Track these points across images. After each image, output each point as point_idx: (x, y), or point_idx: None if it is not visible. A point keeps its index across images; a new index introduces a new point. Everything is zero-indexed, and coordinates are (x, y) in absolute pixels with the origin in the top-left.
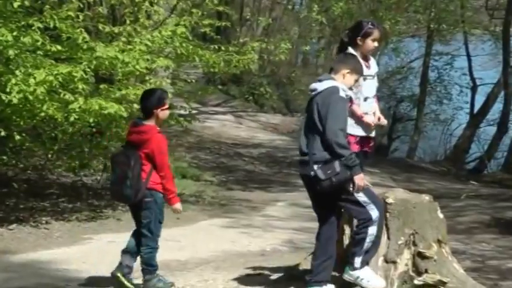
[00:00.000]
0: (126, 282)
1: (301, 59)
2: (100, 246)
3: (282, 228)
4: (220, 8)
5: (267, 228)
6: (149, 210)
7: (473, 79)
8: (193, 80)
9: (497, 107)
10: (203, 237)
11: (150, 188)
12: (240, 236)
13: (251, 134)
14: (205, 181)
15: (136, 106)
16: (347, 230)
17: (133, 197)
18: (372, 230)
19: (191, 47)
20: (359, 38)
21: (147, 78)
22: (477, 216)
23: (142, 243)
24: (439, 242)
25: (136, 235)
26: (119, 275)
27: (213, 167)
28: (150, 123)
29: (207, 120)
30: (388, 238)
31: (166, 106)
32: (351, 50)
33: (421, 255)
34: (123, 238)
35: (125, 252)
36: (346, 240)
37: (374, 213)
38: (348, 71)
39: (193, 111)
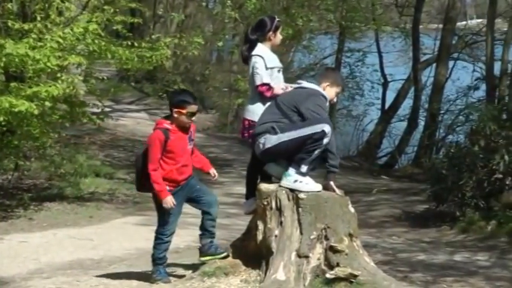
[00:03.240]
0: (209, 258)
1: (215, 56)
2: (11, 246)
3: (196, 225)
4: (133, 5)
5: (181, 226)
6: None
7: (384, 75)
8: (106, 78)
9: (408, 102)
10: (117, 235)
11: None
12: (154, 233)
13: None
14: (118, 179)
15: (48, 104)
16: (260, 226)
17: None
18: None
19: (103, 43)
20: (271, 33)
21: (59, 75)
22: (388, 210)
23: None
24: (350, 235)
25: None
26: (201, 258)
27: (127, 165)
28: (168, 120)
29: (120, 118)
30: (301, 233)
31: (185, 111)
32: (261, 45)
33: (332, 249)
34: (35, 238)
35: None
36: (259, 236)
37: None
38: (328, 83)
39: (107, 109)
